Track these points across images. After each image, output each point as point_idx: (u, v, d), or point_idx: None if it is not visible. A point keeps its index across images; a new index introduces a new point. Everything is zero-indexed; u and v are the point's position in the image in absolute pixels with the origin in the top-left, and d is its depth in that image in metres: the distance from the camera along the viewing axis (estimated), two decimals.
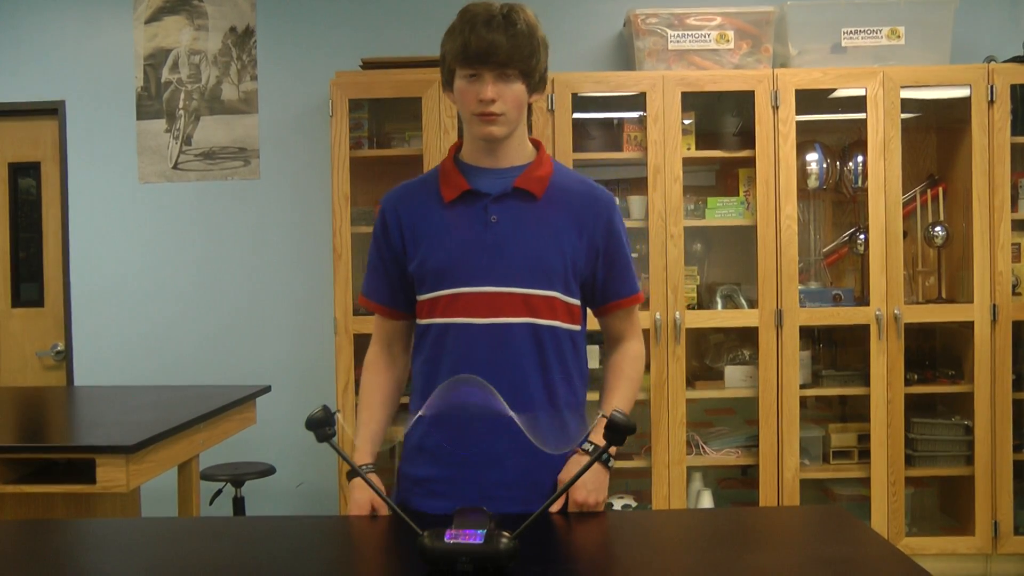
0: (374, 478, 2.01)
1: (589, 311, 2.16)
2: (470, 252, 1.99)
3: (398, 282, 2.09)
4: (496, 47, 1.88)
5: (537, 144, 2.10)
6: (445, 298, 2.00)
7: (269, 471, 4.42)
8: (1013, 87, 4.16)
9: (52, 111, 4.85)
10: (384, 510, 1.97)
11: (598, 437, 1.94)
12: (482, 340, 1.98)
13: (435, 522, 1.62)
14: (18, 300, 4.95)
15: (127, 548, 1.83)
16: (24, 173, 4.94)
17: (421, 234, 2.03)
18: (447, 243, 2.00)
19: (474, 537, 1.56)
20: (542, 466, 1.99)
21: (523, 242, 1.99)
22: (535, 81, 1.97)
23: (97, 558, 1.79)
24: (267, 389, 3.89)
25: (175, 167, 4.83)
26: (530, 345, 1.99)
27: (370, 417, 2.12)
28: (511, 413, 1.79)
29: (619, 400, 2.11)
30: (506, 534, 1.58)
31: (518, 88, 1.94)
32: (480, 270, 1.98)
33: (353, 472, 1.94)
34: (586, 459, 1.93)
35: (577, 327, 2.07)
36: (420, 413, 1.94)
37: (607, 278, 2.08)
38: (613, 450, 1.98)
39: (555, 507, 1.98)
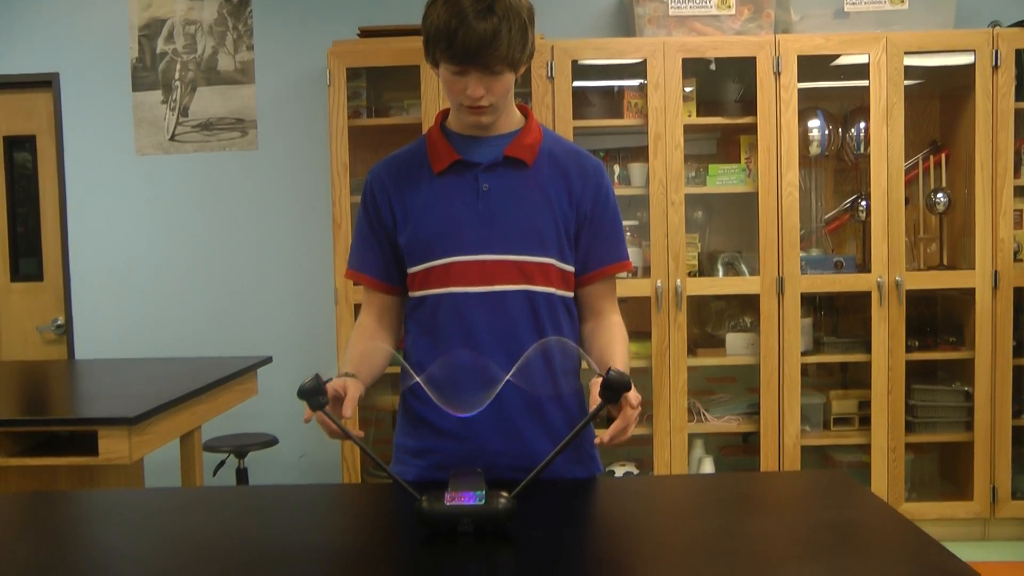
0: (352, 382, 1.88)
1: None
2: (463, 222, 1.96)
3: (390, 255, 2.06)
4: (483, 48, 1.80)
5: (525, 110, 2.07)
6: (438, 268, 1.97)
7: (272, 442, 4.43)
8: (1018, 52, 4.13)
9: (46, 83, 4.82)
10: (353, 390, 1.84)
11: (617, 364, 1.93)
12: (478, 308, 1.96)
13: (432, 487, 1.62)
14: (17, 275, 4.94)
15: (131, 518, 1.82)
16: (19, 146, 4.91)
17: (411, 206, 2.00)
18: (439, 214, 1.98)
19: (472, 498, 1.57)
20: (543, 436, 1.98)
21: (516, 209, 1.97)
22: (524, 63, 1.92)
23: (101, 529, 1.79)
24: (268, 360, 3.89)
25: (172, 139, 4.80)
26: (526, 312, 1.97)
27: (355, 357, 2.00)
28: (511, 382, 1.78)
29: (618, 359, 2.00)
30: (504, 494, 1.59)
31: (507, 79, 1.89)
32: (474, 239, 1.96)
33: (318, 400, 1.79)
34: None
35: (571, 293, 2.05)
36: (414, 382, 1.91)
37: (591, 244, 2.04)
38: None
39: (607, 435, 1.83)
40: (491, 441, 1.97)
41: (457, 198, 1.97)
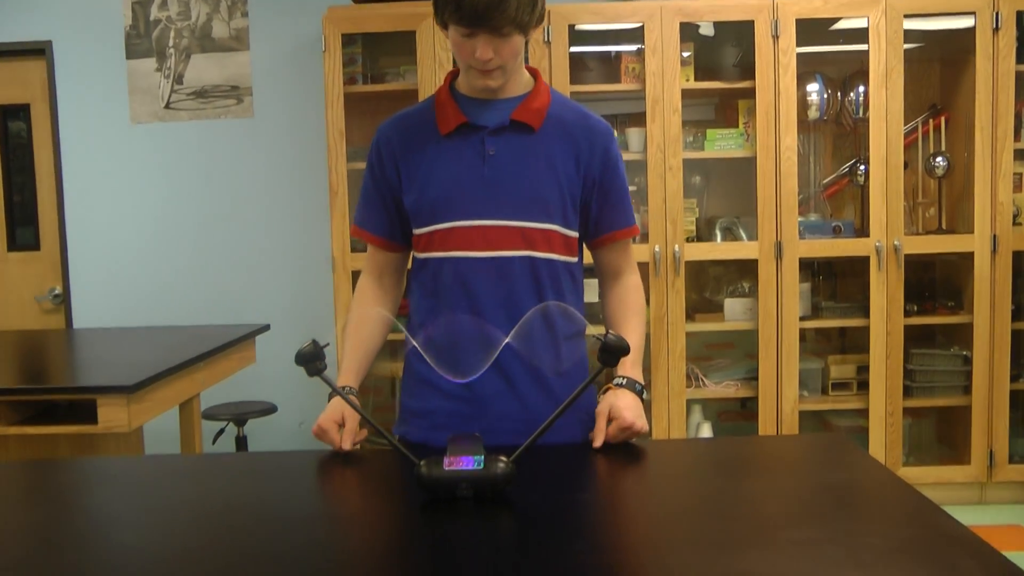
0: (354, 400, 1.96)
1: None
2: (467, 186, 1.96)
3: (394, 214, 2.06)
4: (491, 9, 1.79)
5: (534, 73, 2.04)
6: (442, 232, 1.97)
7: (271, 410, 4.44)
8: (1019, 13, 4.09)
9: (40, 52, 4.78)
10: (352, 421, 1.94)
11: (629, 370, 1.99)
12: (480, 273, 1.96)
13: (431, 452, 1.62)
14: (14, 244, 4.92)
15: (131, 484, 1.82)
16: (14, 115, 4.88)
17: (417, 167, 2.00)
18: (444, 177, 1.97)
19: (471, 463, 1.57)
20: (545, 399, 1.98)
21: (521, 175, 1.96)
22: (533, 25, 1.90)
23: (102, 495, 1.78)
24: (266, 328, 3.88)
25: (167, 106, 4.77)
26: (528, 278, 1.97)
27: (357, 345, 2.07)
28: (512, 346, 1.78)
29: (635, 336, 2.04)
30: (503, 458, 1.58)
31: (515, 41, 1.87)
32: (477, 203, 1.95)
33: (333, 394, 1.94)
34: (626, 391, 1.95)
35: (574, 259, 2.05)
36: (419, 345, 1.93)
37: (601, 209, 2.04)
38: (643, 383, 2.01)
39: (597, 441, 1.93)
40: (493, 403, 1.99)
41: (462, 162, 1.97)
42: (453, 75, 2.05)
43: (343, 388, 2.00)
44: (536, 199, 1.96)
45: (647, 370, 4.22)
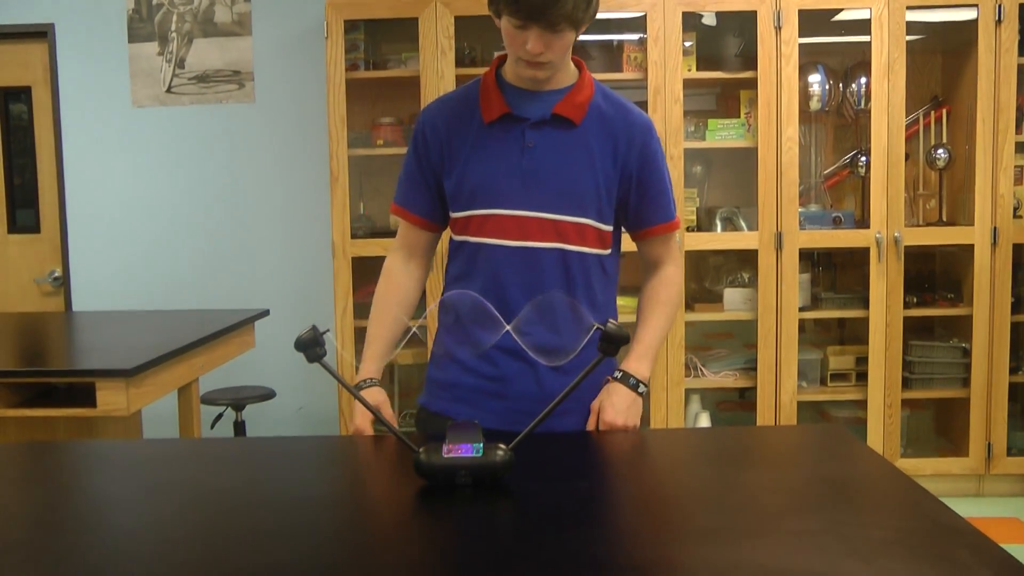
0: (376, 392, 2.04)
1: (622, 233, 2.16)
2: (505, 176, 1.98)
3: (435, 195, 2.10)
4: (548, 5, 1.79)
5: (580, 64, 2.05)
6: (478, 218, 2.01)
7: (269, 395, 4.43)
8: (1022, 6, 4.07)
9: (42, 34, 4.76)
10: (386, 408, 2.02)
11: (633, 363, 2.04)
12: (511, 262, 1.99)
13: (448, 423, 1.63)
14: (14, 226, 4.91)
15: (129, 468, 1.82)
16: (15, 98, 4.87)
17: (459, 152, 2.03)
18: (483, 165, 2.00)
19: (470, 450, 1.57)
20: (564, 384, 1.93)
21: (558, 169, 1.98)
22: (586, 22, 1.90)
23: (100, 478, 1.78)
24: (265, 313, 3.87)
25: (168, 91, 4.76)
26: (558, 270, 2.00)
27: (380, 330, 2.12)
28: (536, 330, 1.81)
29: (652, 329, 2.10)
30: (502, 446, 1.59)
31: (568, 37, 1.88)
32: (513, 194, 1.98)
33: (358, 387, 2.02)
34: (620, 386, 2.02)
35: (607, 251, 2.06)
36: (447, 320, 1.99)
37: (640, 204, 2.05)
38: (646, 377, 2.06)
39: (590, 426, 2.03)
40: (513, 382, 2.02)
41: (502, 152, 1.99)
42: (500, 60, 2.06)
43: (366, 381, 2.05)
44: (571, 193, 1.98)
45: None
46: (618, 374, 2.05)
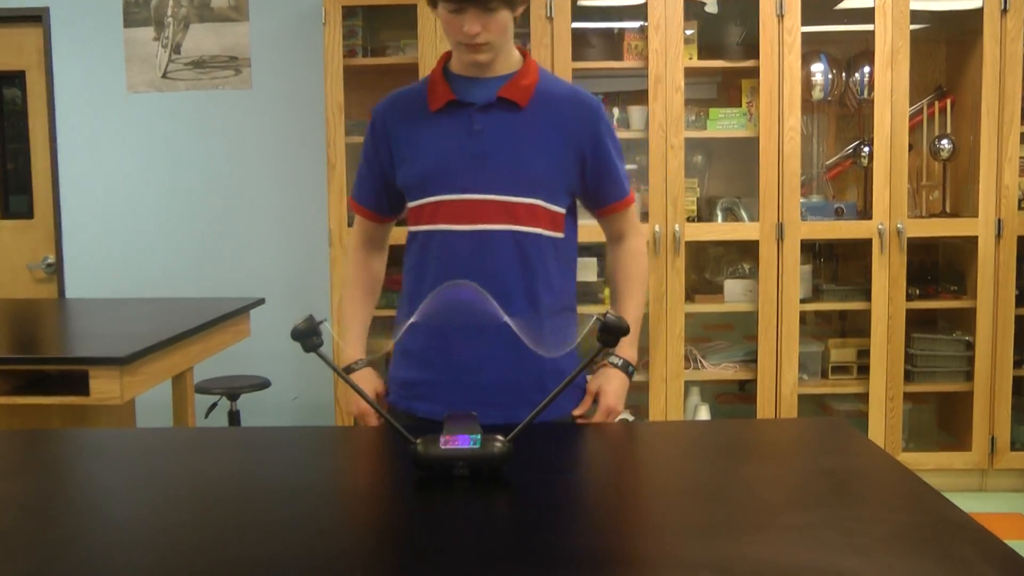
0: (368, 373, 2.16)
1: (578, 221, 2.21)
2: (454, 161, 2.02)
3: (382, 189, 2.16)
4: None
5: (524, 53, 2.11)
6: (430, 205, 2.04)
7: (264, 384, 4.42)
8: None
9: (36, 18, 4.73)
10: (375, 392, 2.14)
11: (626, 349, 2.12)
12: (464, 246, 2.02)
13: (426, 428, 1.63)
14: (7, 212, 4.90)
15: (122, 457, 1.82)
16: (9, 82, 4.85)
17: (407, 142, 2.08)
18: (432, 152, 2.04)
19: (468, 442, 1.57)
20: (527, 371, 2.02)
21: (506, 151, 2.02)
22: (521, 2, 1.97)
23: (93, 467, 1.78)
24: (261, 301, 3.85)
25: (164, 76, 4.73)
26: (512, 252, 2.03)
27: (355, 312, 2.24)
28: (500, 316, 1.80)
29: (633, 308, 2.18)
30: (500, 438, 1.58)
31: (502, 16, 1.93)
32: (463, 178, 2.02)
33: (348, 370, 2.12)
34: (618, 372, 2.10)
35: (560, 234, 2.09)
36: (410, 319, 1.94)
37: (597, 184, 2.11)
38: (635, 361, 2.15)
39: (579, 411, 2.10)
40: (474, 374, 2.03)
41: (450, 137, 2.04)
42: (448, 56, 2.12)
43: (357, 362, 2.17)
44: (520, 174, 2.02)
45: (644, 350, 4.20)
46: (617, 360, 2.12)
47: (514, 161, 2.01)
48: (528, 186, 2.02)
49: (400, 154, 2.08)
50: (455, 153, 2.02)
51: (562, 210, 2.08)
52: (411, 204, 2.10)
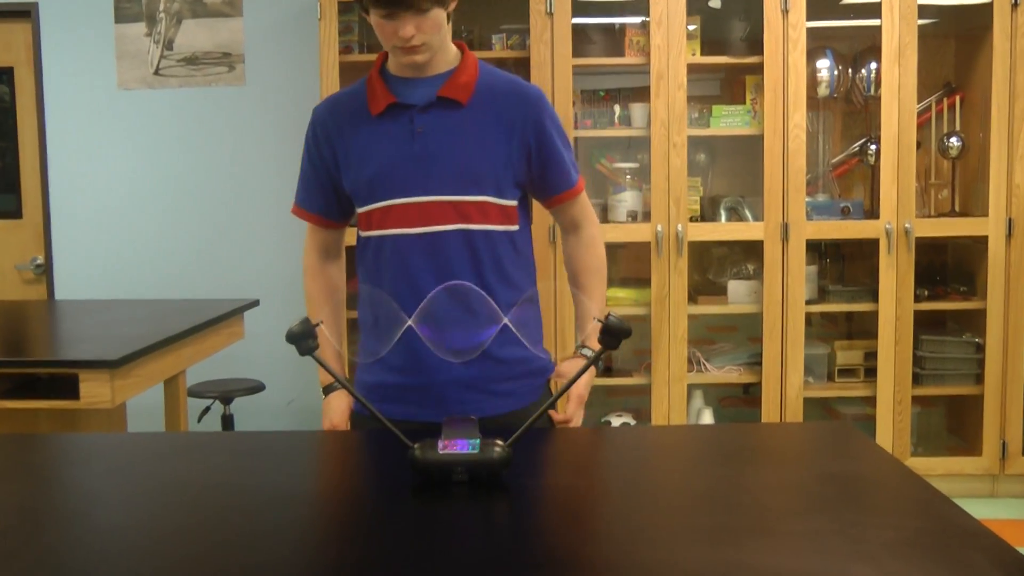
0: (341, 396, 2.21)
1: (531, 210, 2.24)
2: (399, 164, 2.03)
3: (331, 193, 2.15)
4: None
5: (461, 47, 2.11)
6: (379, 211, 2.05)
7: (258, 388, 4.39)
8: None
9: (25, 13, 4.69)
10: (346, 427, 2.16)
11: (594, 342, 2.05)
12: (416, 249, 2.03)
13: (420, 433, 1.63)
14: None
15: (113, 462, 1.80)
16: None
17: (351, 148, 2.07)
18: (376, 157, 2.04)
19: (466, 446, 1.58)
20: (492, 369, 2.06)
21: (450, 150, 2.03)
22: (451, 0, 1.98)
23: (83, 472, 1.77)
24: (255, 303, 3.81)
25: (156, 73, 4.68)
26: (465, 251, 2.03)
27: (329, 322, 2.22)
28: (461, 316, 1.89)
29: (597, 299, 2.19)
30: (499, 442, 1.58)
31: (436, 15, 1.93)
32: (409, 181, 2.02)
33: (329, 388, 2.17)
34: (583, 361, 2.07)
35: (515, 227, 2.10)
36: (373, 324, 2.06)
37: (543, 175, 2.11)
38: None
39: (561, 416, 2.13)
40: (437, 373, 2.04)
41: (393, 141, 2.04)
42: (385, 57, 2.11)
43: (332, 385, 2.22)
44: (467, 172, 2.02)
45: (646, 352, 4.16)
46: (588, 352, 2.13)
47: (459, 160, 2.02)
48: (475, 184, 2.02)
49: (345, 160, 2.08)
50: (400, 157, 2.02)
51: (513, 203, 2.09)
52: (361, 210, 2.09)
